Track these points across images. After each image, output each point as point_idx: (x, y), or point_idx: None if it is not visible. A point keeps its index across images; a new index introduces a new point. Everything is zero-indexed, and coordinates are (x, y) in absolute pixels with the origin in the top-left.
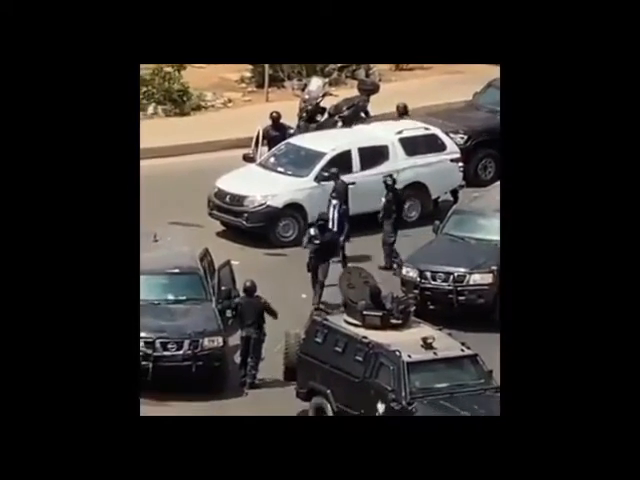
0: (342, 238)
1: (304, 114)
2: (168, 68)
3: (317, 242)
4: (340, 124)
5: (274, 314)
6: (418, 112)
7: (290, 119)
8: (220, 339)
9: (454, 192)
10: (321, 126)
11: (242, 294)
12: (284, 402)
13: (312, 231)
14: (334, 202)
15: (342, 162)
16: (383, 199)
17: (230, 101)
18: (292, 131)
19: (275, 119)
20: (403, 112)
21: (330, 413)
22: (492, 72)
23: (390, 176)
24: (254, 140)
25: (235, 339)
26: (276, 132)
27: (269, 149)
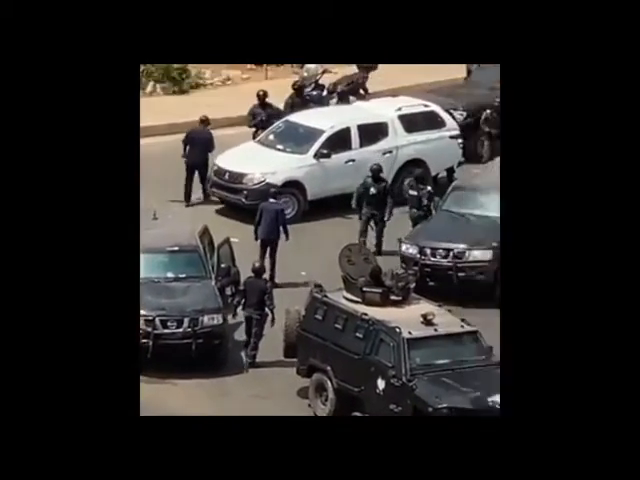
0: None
1: (302, 91)
2: None
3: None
4: (335, 100)
5: (270, 305)
6: (418, 89)
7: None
8: (220, 317)
9: (450, 170)
10: (317, 101)
11: (251, 274)
12: (284, 380)
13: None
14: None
15: (341, 139)
16: (373, 189)
17: (229, 79)
18: (280, 109)
19: (261, 97)
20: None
21: (330, 390)
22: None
23: (377, 165)
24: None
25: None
26: (261, 110)
27: (255, 127)
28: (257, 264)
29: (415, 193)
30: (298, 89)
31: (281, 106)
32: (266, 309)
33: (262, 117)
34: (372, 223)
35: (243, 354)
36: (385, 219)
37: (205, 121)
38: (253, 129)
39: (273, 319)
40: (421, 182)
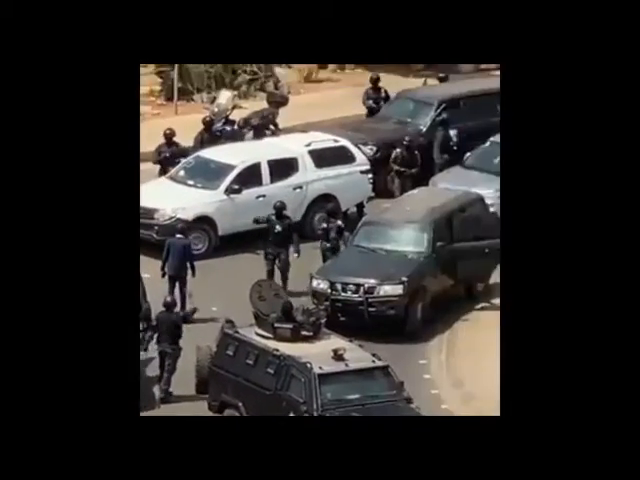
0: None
1: (212, 127)
2: None
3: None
4: (251, 135)
5: (192, 313)
6: (326, 124)
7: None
8: None
9: (360, 205)
10: (230, 136)
11: (162, 309)
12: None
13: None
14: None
15: (252, 174)
16: (278, 227)
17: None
18: (186, 148)
19: (167, 136)
20: (376, 80)
21: None
22: (404, 84)
23: (281, 202)
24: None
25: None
26: (166, 148)
27: (159, 164)
28: (168, 298)
29: (325, 226)
30: (207, 124)
31: (191, 142)
32: (180, 343)
33: (166, 154)
34: (277, 262)
35: (156, 389)
36: (295, 256)
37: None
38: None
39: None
40: (332, 216)
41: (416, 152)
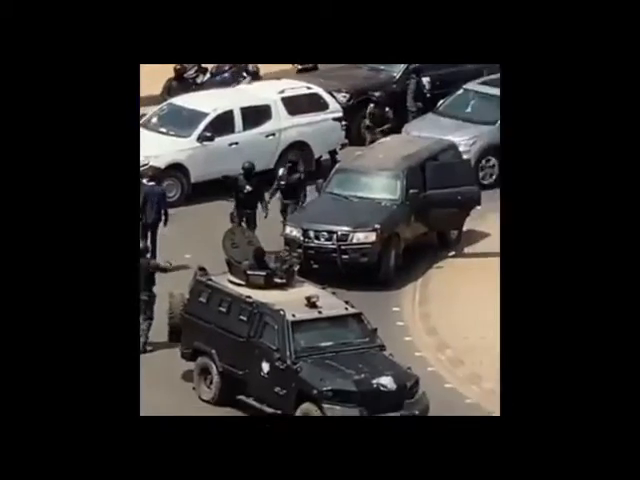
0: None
1: (182, 75)
2: None
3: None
4: (249, 79)
5: (164, 270)
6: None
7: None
8: None
9: (333, 152)
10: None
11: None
12: (169, 363)
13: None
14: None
15: (224, 122)
16: (248, 187)
17: None
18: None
19: (179, 71)
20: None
21: (215, 373)
22: None
23: (250, 163)
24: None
25: None
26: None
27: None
28: (141, 244)
29: (284, 181)
30: (178, 72)
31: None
32: (154, 290)
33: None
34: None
35: None
36: (264, 216)
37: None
38: None
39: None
40: (293, 168)
41: (387, 108)
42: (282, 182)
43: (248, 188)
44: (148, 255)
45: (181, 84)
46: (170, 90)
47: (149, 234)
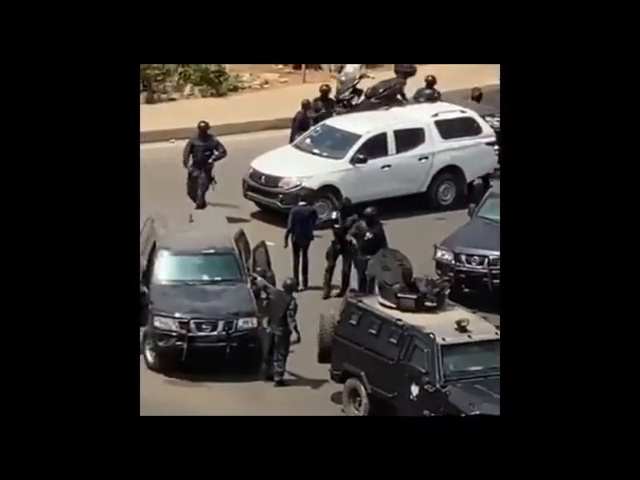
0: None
1: (340, 96)
2: None
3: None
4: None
5: (295, 331)
6: (454, 95)
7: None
8: (254, 320)
9: (486, 177)
10: (358, 108)
11: (280, 288)
12: (318, 385)
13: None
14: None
15: (378, 144)
16: (369, 234)
17: (267, 82)
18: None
19: (324, 92)
20: (478, 96)
21: (364, 395)
22: None
23: (373, 208)
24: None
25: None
26: (323, 104)
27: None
28: (289, 281)
29: (338, 225)
30: (324, 93)
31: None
32: (290, 327)
33: (322, 110)
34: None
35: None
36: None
37: (204, 127)
38: (290, 134)
39: (299, 339)
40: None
41: None
42: (368, 235)
43: (369, 235)
44: (300, 288)
45: (326, 104)
46: (317, 110)
47: (300, 255)
